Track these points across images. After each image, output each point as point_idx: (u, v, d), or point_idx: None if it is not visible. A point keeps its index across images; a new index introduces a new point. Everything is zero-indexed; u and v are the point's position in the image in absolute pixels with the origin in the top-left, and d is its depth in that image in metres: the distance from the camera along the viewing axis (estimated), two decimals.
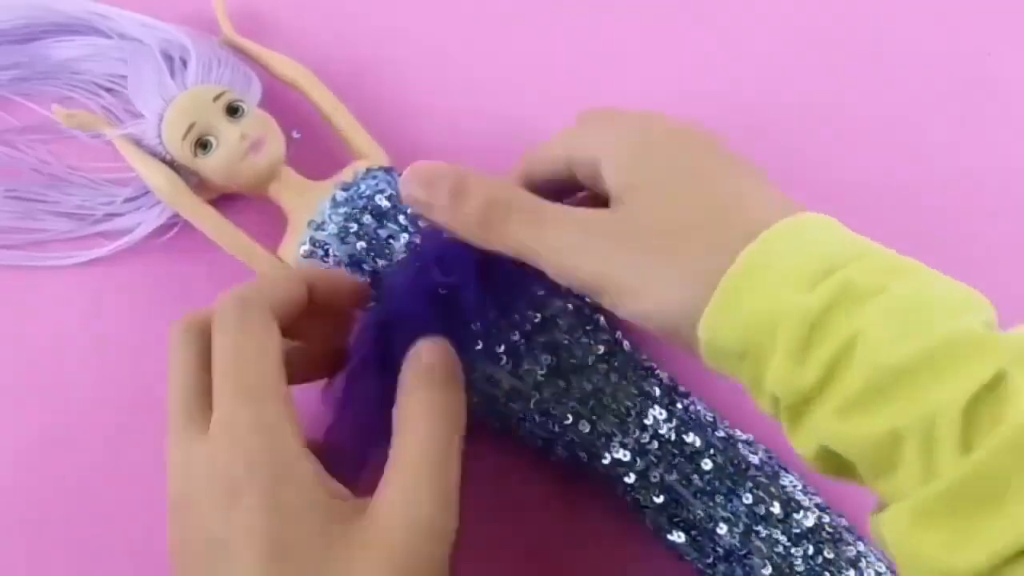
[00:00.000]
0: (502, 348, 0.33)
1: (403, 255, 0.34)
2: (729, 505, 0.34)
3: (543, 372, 0.33)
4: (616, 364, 0.34)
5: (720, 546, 0.34)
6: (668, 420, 0.34)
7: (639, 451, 0.33)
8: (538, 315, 0.34)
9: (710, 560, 0.34)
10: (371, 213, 0.35)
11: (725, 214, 0.27)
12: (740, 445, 0.35)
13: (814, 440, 0.24)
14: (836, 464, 0.25)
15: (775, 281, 0.24)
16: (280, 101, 0.39)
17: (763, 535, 0.33)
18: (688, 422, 0.34)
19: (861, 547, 0.33)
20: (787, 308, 0.24)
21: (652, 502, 0.34)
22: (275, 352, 0.28)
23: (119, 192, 0.39)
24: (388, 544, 0.26)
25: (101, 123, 0.38)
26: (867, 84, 0.43)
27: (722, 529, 0.33)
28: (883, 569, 0.33)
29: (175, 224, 0.38)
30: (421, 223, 0.34)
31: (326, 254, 0.34)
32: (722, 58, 0.43)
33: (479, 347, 0.33)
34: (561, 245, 0.28)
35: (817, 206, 0.27)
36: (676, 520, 0.34)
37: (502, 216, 0.29)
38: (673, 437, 0.34)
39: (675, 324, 0.27)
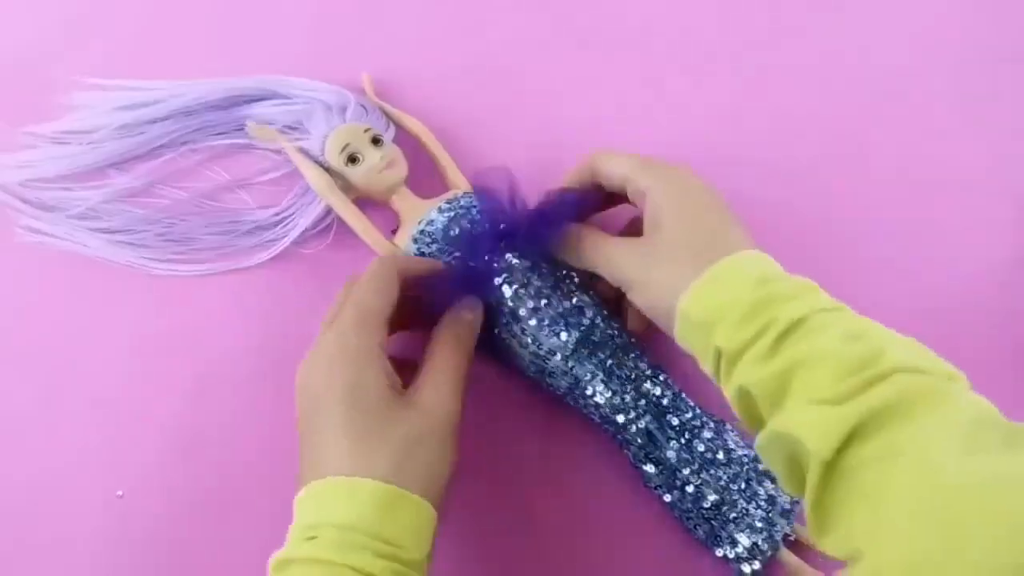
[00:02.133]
0: (547, 321, 0.48)
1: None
2: (688, 448, 0.48)
3: (573, 341, 0.48)
4: (625, 347, 0.49)
5: (679, 478, 0.48)
6: (655, 388, 0.49)
7: (632, 405, 0.48)
8: (573, 299, 0.49)
9: (672, 488, 0.48)
10: (466, 219, 0.50)
11: (712, 241, 0.42)
12: (701, 416, 0.49)
13: (737, 383, 0.39)
14: (747, 404, 0.39)
15: (730, 285, 0.40)
16: (403, 143, 0.54)
17: (711, 472, 0.48)
18: (666, 392, 0.49)
19: (768, 485, 0.48)
20: (737, 299, 0.39)
21: (636, 441, 0.48)
22: (388, 296, 0.44)
23: (266, 212, 0.54)
24: (425, 416, 0.42)
25: (280, 136, 0.54)
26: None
27: (683, 467, 0.47)
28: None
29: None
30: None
31: (432, 241, 0.49)
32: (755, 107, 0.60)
33: (532, 321, 0.48)
34: (613, 259, 0.45)
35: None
36: (650, 456, 0.48)
37: (578, 242, 0.47)
38: (655, 399, 0.48)
39: (666, 306, 0.42)
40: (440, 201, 0.51)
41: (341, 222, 0.53)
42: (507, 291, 0.48)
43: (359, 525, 0.37)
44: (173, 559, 0.47)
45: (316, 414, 0.41)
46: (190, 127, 0.55)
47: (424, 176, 0.55)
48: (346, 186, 0.52)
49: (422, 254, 0.50)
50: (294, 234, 0.53)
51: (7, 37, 0.60)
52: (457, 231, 0.49)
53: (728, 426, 0.49)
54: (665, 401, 0.49)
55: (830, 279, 0.41)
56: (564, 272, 0.50)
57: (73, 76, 0.57)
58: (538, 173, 0.56)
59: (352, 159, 0.52)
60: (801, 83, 0.61)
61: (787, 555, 0.47)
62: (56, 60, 0.58)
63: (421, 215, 0.51)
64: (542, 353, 0.48)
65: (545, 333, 0.47)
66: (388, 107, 0.56)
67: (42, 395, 0.51)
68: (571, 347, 0.47)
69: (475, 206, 0.51)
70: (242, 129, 0.55)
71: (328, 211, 0.53)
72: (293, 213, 0.54)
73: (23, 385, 0.51)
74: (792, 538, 0.48)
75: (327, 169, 0.52)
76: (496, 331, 0.49)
